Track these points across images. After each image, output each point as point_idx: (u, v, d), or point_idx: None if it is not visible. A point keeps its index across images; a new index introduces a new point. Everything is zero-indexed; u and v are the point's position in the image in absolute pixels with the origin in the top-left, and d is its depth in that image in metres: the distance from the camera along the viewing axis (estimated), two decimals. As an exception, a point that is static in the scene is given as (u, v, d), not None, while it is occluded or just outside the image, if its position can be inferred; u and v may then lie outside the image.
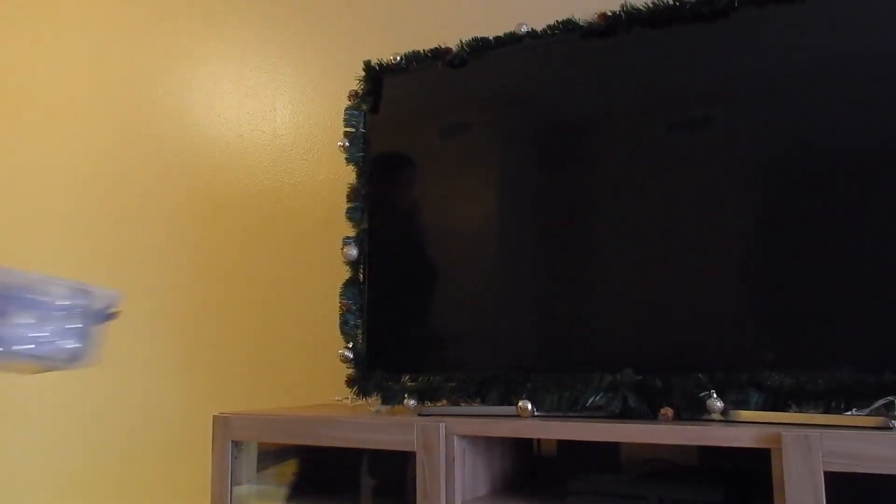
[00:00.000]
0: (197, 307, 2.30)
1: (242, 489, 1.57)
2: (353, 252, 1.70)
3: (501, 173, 1.61)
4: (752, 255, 1.32)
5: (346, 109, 1.78)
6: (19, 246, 2.70)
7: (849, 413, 1.12)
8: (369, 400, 1.65)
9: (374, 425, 1.38)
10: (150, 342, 2.36)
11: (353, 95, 1.79)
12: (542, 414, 1.35)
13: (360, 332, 1.68)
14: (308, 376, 2.05)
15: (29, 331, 1.04)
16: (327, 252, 1.82)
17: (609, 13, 1.48)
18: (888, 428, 1.03)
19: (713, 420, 1.22)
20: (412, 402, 1.52)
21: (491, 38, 1.63)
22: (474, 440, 1.35)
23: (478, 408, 1.43)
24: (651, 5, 1.44)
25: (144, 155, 2.48)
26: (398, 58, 1.75)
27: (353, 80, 1.80)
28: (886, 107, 1.23)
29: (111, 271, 2.44)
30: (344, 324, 1.68)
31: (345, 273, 1.72)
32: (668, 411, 1.25)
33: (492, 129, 1.64)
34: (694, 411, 1.24)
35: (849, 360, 1.19)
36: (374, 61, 1.78)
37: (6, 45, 2.91)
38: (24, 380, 2.57)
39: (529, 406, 1.33)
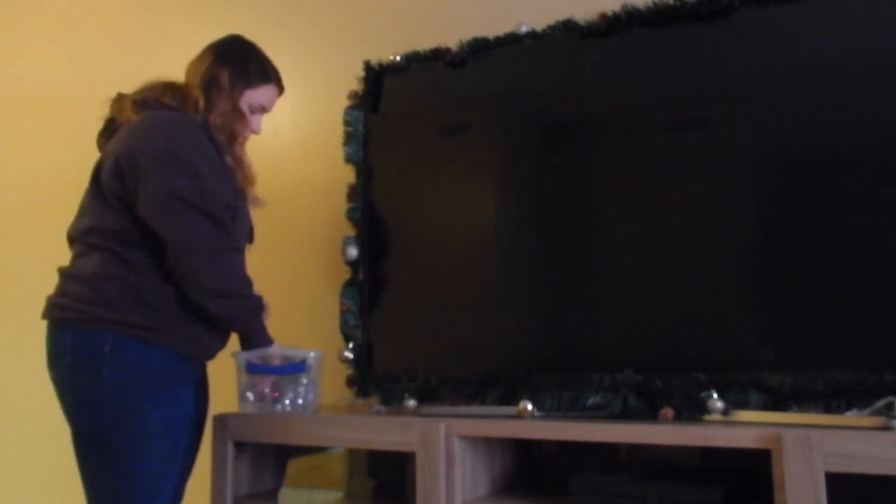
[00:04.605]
0: (197, 307, 2.29)
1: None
2: (353, 252, 1.70)
3: (501, 173, 1.61)
4: (753, 255, 1.32)
5: (346, 109, 1.78)
6: (18, 246, 2.70)
7: (849, 413, 1.12)
8: (369, 400, 1.65)
9: (374, 425, 1.38)
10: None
11: (353, 95, 1.79)
12: (543, 414, 1.34)
13: (360, 332, 1.68)
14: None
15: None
16: (327, 252, 1.82)
17: (609, 13, 1.48)
18: (888, 428, 1.03)
19: (713, 420, 1.21)
20: (412, 402, 1.52)
21: (491, 38, 1.63)
22: (474, 440, 1.35)
23: (478, 408, 1.43)
24: (651, 5, 1.44)
25: (144, 155, 2.47)
26: (398, 58, 1.75)
27: (353, 80, 1.80)
28: (886, 107, 1.23)
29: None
30: (344, 324, 1.68)
31: (345, 273, 1.72)
32: (668, 411, 1.25)
33: (492, 128, 1.64)
34: (694, 411, 1.24)
35: (849, 360, 1.19)
36: (374, 61, 1.78)
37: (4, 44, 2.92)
38: (23, 380, 2.57)
39: (530, 406, 1.33)
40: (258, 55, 1.59)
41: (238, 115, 1.53)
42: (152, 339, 1.40)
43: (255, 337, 1.50)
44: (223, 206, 1.43)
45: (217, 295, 1.42)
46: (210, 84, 1.51)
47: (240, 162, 1.55)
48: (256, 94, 1.56)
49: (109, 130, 1.52)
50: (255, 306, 1.48)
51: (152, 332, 1.40)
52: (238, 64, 1.54)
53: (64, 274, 1.46)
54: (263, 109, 1.59)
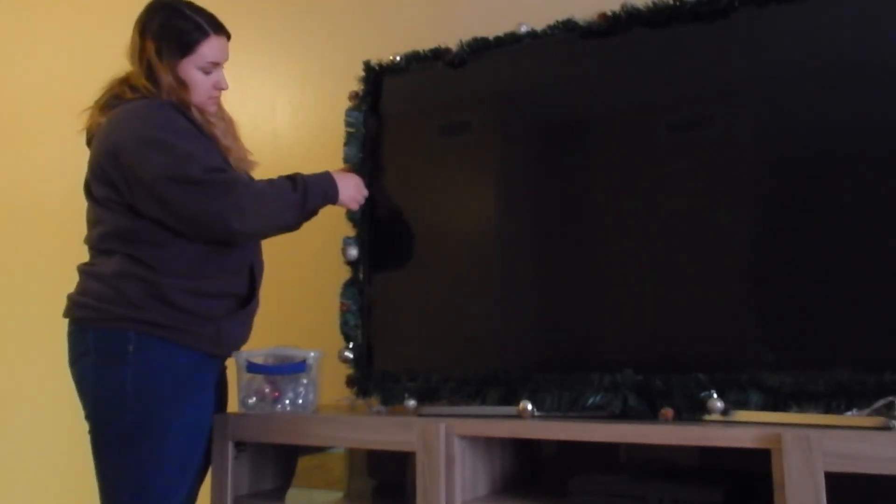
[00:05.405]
0: (197, 307, 2.28)
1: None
2: (353, 252, 1.70)
3: (501, 173, 1.61)
4: (753, 255, 1.32)
5: (347, 110, 1.78)
6: (17, 247, 2.70)
7: (849, 413, 1.12)
8: (369, 400, 1.65)
9: (374, 425, 1.38)
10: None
11: (353, 95, 1.79)
12: (543, 414, 1.34)
13: (360, 332, 1.68)
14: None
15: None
16: (327, 252, 1.82)
17: (609, 13, 1.48)
18: (888, 428, 1.03)
19: (713, 420, 1.21)
20: (412, 402, 1.52)
21: (491, 38, 1.63)
22: (474, 440, 1.35)
23: (478, 408, 1.43)
24: (651, 5, 1.44)
25: (144, 155, 2.47)
26: (398, 58, 1.75)
27: (353, 80, 1.80)
28: (886, 107, 1.23)
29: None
30: (344, 324, 1.68)
31: (345, 273, 1.72)
32: (668, 411, 1.25)
33: (492, 128, 1.64)
34: (694, 411, 1.24)
35: (849, 360, 1.19)
36: (374, 61, 1.78)
37: (3, 44, 2.92)
38: (23, 380, 2.57)
39: (529, 406, 1.33)
40: (182, 13, 1.46)
41: (181, 85, 1.45)
42: (176, 339, 1.39)
43: (321, 194, 1.48)
44: (209, 167, 1.37)
45: (273, 227, 1.45)
46: (147, 65, 1.45)
47: (213, 136, 1.49)
48: (200, 55, 1.46)
49: (89, 141, 1.51)
50: (294, 190, 1.44)
51: (175, 331, 1.39)
52: (163, 33, 1.44)
53: (84, 272, 1.45)
54: (217, 64, 1.50)
